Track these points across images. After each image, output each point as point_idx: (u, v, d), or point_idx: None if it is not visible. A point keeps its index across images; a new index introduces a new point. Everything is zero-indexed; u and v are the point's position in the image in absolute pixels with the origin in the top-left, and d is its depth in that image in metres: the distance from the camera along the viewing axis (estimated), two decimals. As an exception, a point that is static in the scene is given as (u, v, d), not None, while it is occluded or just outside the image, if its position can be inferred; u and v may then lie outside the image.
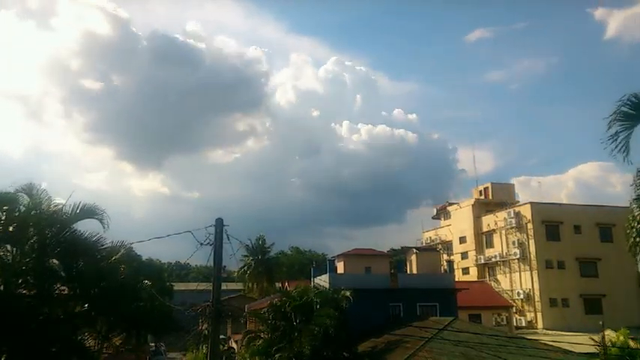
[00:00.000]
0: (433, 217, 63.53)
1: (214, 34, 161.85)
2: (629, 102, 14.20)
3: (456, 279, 39.19)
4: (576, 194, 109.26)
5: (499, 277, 48.86)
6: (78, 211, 15.65)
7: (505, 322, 42.25)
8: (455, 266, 47.44)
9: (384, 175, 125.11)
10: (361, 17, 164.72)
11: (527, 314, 44.78)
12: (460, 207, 55.85)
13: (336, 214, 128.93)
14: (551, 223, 45.84)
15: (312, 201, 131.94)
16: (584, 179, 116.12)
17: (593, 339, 24.87)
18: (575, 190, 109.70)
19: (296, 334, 22.06)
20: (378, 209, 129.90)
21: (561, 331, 35.65)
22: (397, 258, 44.87)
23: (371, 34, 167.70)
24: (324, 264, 32.00)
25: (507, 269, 47.89)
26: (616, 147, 14.07)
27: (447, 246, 56.76)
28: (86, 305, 16.49)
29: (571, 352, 22.02)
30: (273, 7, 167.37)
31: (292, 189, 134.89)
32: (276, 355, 21.59)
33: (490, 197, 54.38)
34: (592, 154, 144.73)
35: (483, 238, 51.86)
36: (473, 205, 53.61)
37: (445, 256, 49.94)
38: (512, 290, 46.48)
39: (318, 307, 22.57)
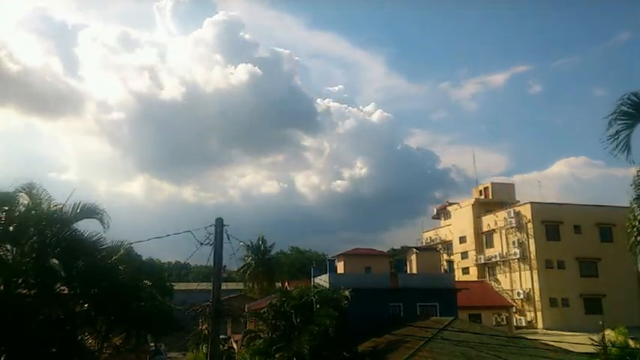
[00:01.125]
0: (433, 217, 63.49)
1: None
2: (629, 101, 14.17)
3: (456, 279, 39.18)
4: (562, 191, 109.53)
5: (499, 276, 48.84)
6: (78, 211, 15.63)
7: (505, 322, 42.26)
8: (455, 266, 47.42)
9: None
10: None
11: (527, 314, 44.76)
12: (460, 207, 55.84)
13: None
14: (551, 223, 45.83)
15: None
16: (567, 175, 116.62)
17: (592, 339, 24.84)
18: (561, 186, 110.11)
19: (296, 333, 22.04)
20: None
21: (561, 331, 35.64)
22: (397, 258, 44.82)
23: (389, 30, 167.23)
24: (324, 264, 31.97)
25: (507, 269, 47.88)
26: (617, 146, 14.04)
27: (447, 246, 56.73)
28: (86, 305, 16.50)
29: (571, 352, 22.00)
30: (290, 2, 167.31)
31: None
32: (277, 355, 21.56)
33: (490, 197, 54.38)
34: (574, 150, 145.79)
35: (483, 238, 51.84)
36: (473, 205, 53.60)
37: (445, 256, 49.92)
38: (512, 290, 46.47)
39: (317, 306, 22.55)
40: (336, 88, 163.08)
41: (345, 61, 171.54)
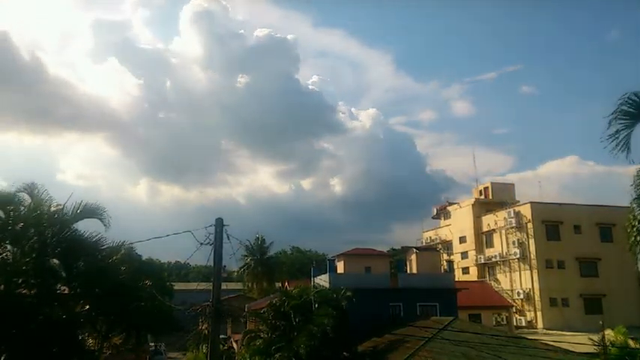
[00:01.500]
0: (433, 217, 63.47)
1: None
2: (629, 100, 14.16)
3: (456, 279, 39.19)
4: (554, 189, 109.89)
5: (499, 276, 48.85)
6: (78, 211, 15.65)
7: (505, 322, 42.25)
8: (455, 266, 47.47)
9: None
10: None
11: (527, 314, 44.77)
12: (460, 207, 55.85)
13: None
14: (551, 223, 45.84)
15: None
16: (560, 174, 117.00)
17: (592, 339, 24.85)
18: (553, 185, 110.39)
19: (295, 333, 22.04)
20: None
21: (561, 330, 35.67)
22: (397, 258, 44.77)
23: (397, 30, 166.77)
24: (324, 264, 31.94)
25: (507, 269, 47.89)
26: (617, 146, 14.03)
27: (447, 246, 56.75)
28: (86, 305, 16.50)
29: (571, 352, 22.00)
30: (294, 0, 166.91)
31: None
32: (276, 355, 21.56)
33: (490, 197, 54.39)
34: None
35: (483, 238, 51.85)
36: (473, 205, 53.61)
37: (445, 256, 49.98)
38: (512, 290, 46.48)
39: (317, 306, 22.55)
40: (316, 79, 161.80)
41: (352, 61, 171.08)
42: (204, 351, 33.85)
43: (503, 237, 48.57)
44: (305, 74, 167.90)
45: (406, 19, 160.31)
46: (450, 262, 40.44)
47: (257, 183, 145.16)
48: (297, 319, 22.50)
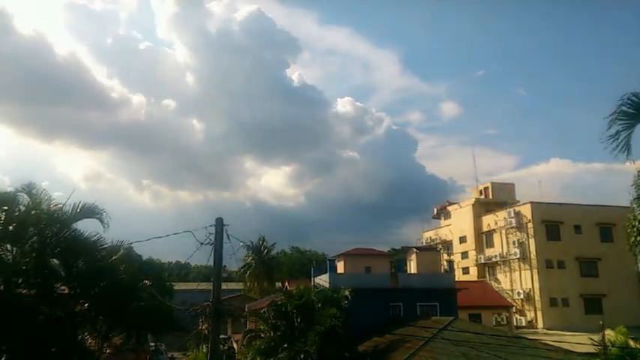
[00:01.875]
0: (433, 217, 63.47)
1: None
2: (629, 101, 14.14)
3: (456, 279, 39.17)
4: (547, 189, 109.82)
5: (499, 276, 48.84)
6: (78, 211, 15.61)
7: (505, 322, 42.22)
8: (455, 266, 47.49)
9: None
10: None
11: (528, 314, 44.78)
12: (460, 207, 55.85)
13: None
14: (552, 223, 45.85)
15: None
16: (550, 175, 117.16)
17: (592, 339, 24.82)
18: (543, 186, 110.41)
19: (297, 333, 22.04)
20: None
21: (561, 330, 35.65)
22: (397, 258, 44.75)
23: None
24: (324, 264, 31.95)
25: (507, 269, 47.89)
26: (617, 147, 14.00)
27: (447, 246, 56.75)
28: (86, 305, 16.47)
29: (571, 352, 21.98)
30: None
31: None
32: (278, 355, 21.56)
33: (490, 197, 54.39)
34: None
35: (483, 238, 51.85)
36: (473, 205, 53.62)
37: (445, 256, 49.96)
38: (512, 290, 46.48)
39: (319, 306, 22.55)
40: (318, 77, 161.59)
41: (357, 60, 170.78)
42: (205, 351, 33.86)
43: (504, 237, 48.58)
44: (307, 73, 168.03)
45: (407, 17, 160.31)
46: (450, 262, 40.46)
47: (260, 185, 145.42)
48: (298, 320, 22.51)
